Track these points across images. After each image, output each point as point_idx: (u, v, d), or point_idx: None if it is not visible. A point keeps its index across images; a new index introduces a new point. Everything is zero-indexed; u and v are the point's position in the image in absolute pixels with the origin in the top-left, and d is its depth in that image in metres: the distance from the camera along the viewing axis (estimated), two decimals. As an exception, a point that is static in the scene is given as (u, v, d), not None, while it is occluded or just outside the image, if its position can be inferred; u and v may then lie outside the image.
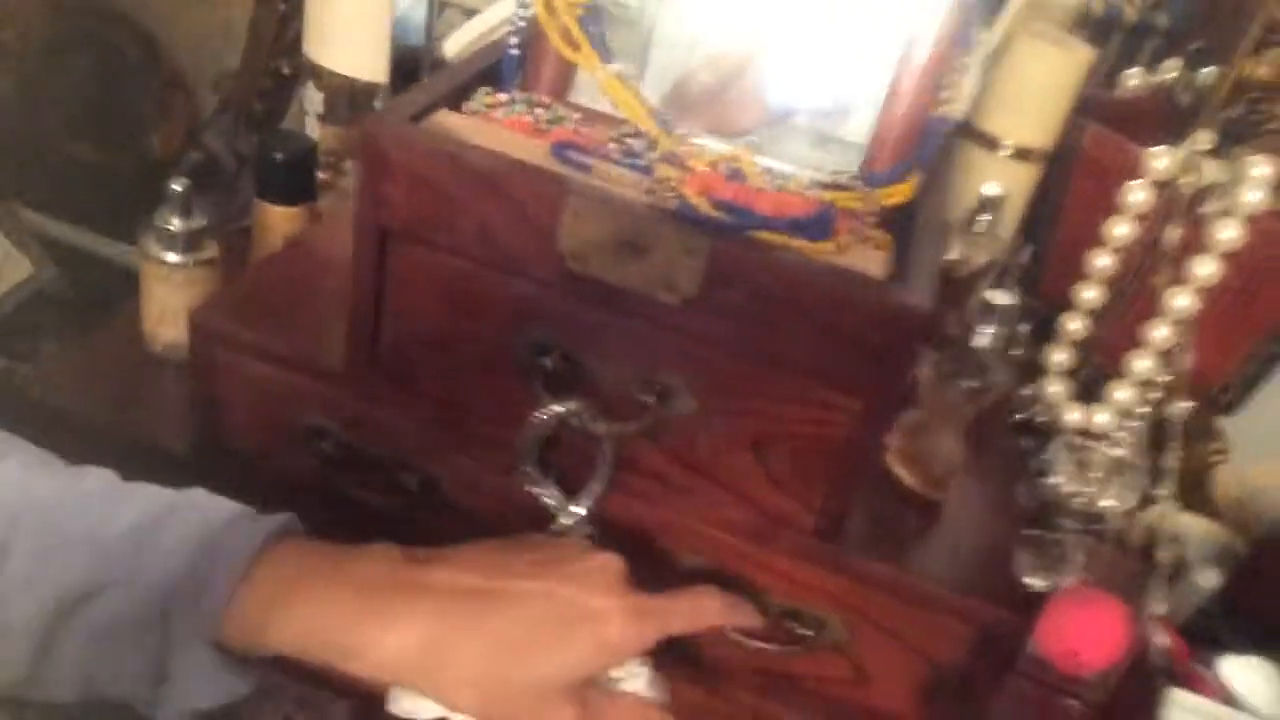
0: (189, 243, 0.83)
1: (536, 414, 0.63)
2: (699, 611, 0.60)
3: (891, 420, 0.63)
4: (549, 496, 0.65)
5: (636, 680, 0.59)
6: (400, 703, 0.57)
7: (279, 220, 0.91)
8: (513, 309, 0.64)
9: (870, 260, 0.62)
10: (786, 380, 0.61)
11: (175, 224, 0.82)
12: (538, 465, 0.65)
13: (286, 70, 1.18)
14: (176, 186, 0.82)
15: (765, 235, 0.60)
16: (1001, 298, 0.66)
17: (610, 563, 0.58)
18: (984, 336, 0.67)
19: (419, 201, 0.62)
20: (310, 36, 1.04)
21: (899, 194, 0.68)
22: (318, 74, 1.03)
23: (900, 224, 0.67)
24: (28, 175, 1.17)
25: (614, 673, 0.59)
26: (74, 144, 1.22)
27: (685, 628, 0.60)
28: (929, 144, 0.69)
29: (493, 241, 0.62)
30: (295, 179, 0.92)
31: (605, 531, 0.67)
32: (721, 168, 0.65)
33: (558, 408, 0.63)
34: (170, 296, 0.84)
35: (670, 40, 0.73)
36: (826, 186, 0.67)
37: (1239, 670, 0.85)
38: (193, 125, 1.26)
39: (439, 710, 0.57)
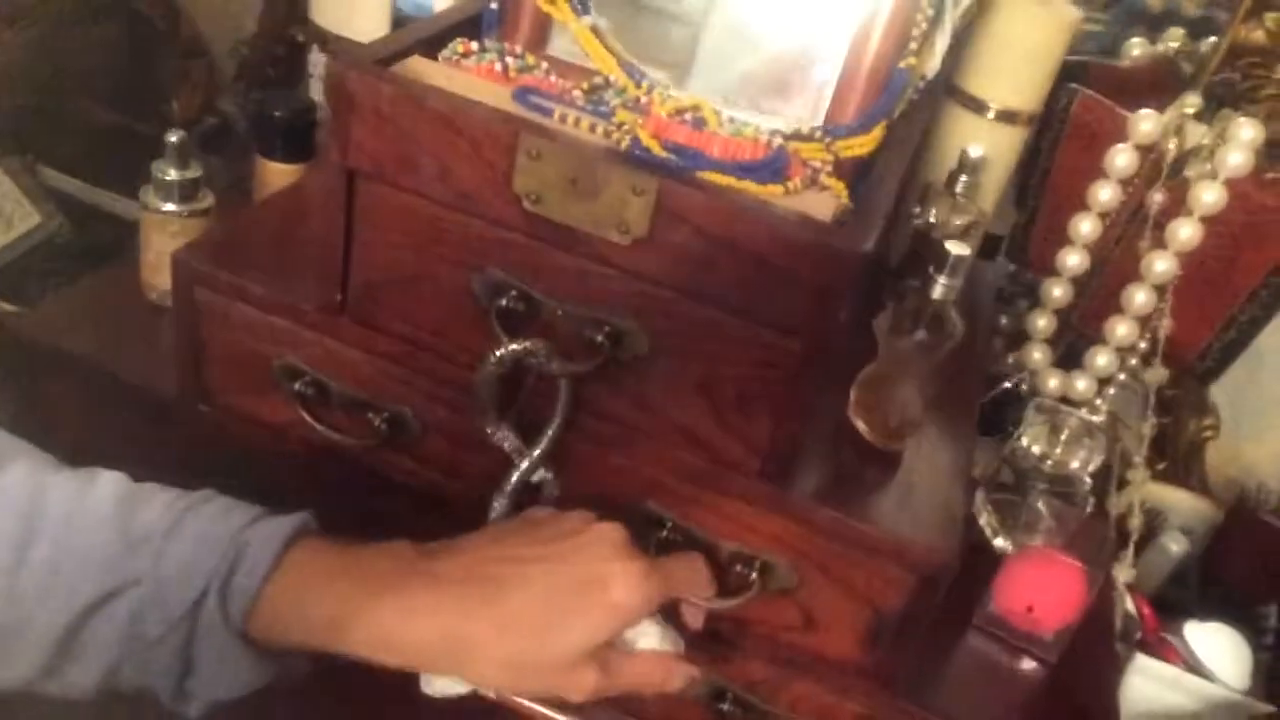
0: (184, 192, 0.86)
1: (493, 353, 0.64)
2: (694, 572, 0.63)
3: (831, 363, 0.63)
4: (506, 438, 0.67)
5: (649, 638, 0.61)
6: (433, 684, 0.60)
7: (277, 177, 0.94)
8: (472, 249, 0.66)
9: (820, 205, 0.62)
10: (732, 321, 0.62)
11: (171, 174, 0.85)
12: (497, 407, 0.67)
13: (300, 38, 1.21)
14: (172, 138, 0.85)
15: (714, 177, 0.61)
16: (958, 248, 0.67)
17: (610, 531, 0.60)
18: (940, 288, 0.68)
19: (383, 142, 0.64)
20: (316, 2, 1.07)
21: (860, 146, 0.69)
22: (324, 38, 1.06)
23: (862, 177, 0.68)
24: (49, 136, 1.22)
25: (628, 634, 0.61)
26: (96, 108, 1.26)
27: (684, 588, 0.63)
28: (892, 97, 0.69)
29: (452, 182, 0.64)
30: (293, 137, 0.94)
31: (560, 473, 0.69)
32: (685, 116, 0.66)
33: (514, 346, 0.64)
34: (166, 245, 0.87)
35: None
36: (788, 136, 0.68)
37: (1204, 637, 0.85)
38: (211, 91, 1.30)
39: (469, 686, 0.60)
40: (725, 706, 0.75)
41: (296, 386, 0.75)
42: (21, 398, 0.87)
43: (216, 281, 0.74)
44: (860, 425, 0.73)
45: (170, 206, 0.86)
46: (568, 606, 0.57)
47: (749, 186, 0.61)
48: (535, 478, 0.67)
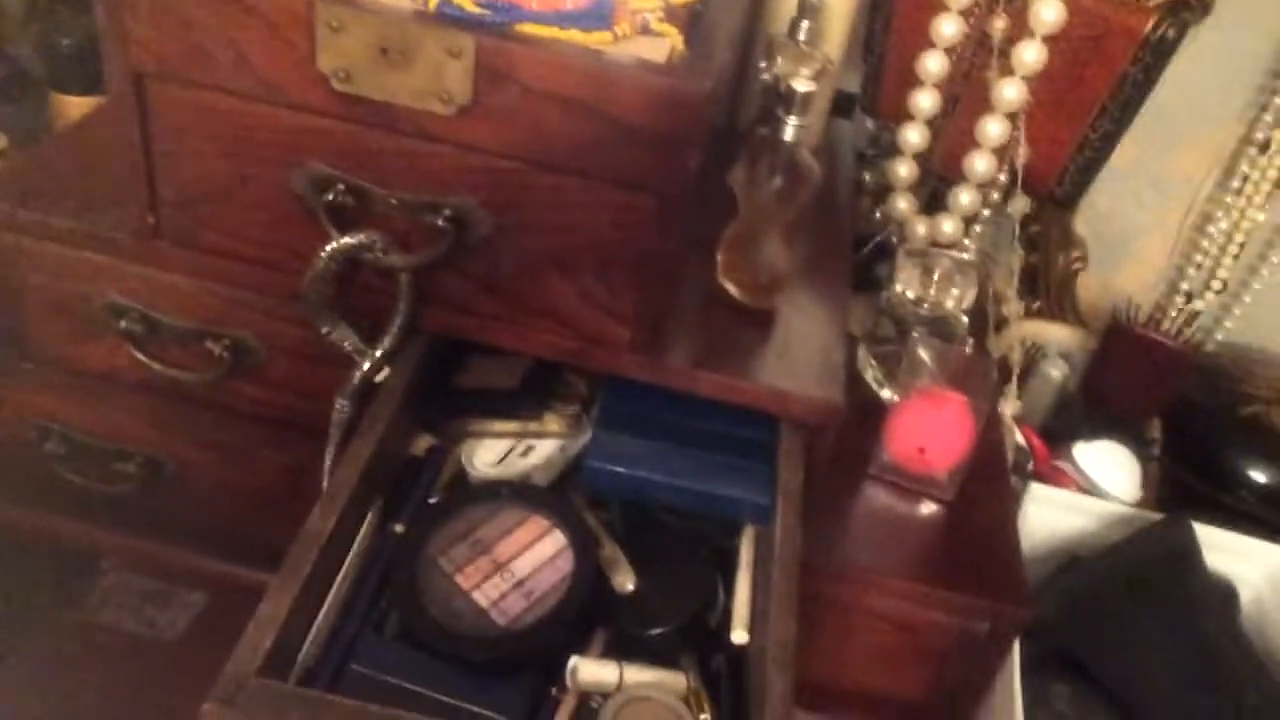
0: (-32, 136, 0.78)
1: (322, 249, 0.59)
2: None
3: (687, 217, 0.60)
4: (345, 337, 0.62)
5: None
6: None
7: (74, 110, 0.86)
8: (286, 144, 0.60)
9: (653, 50, 0.58)
10: (577, 185, 0.59)
11: (-50, 118, 0.77)
12: (334, 309, 0.62)
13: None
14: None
15: (535, 30, 0.57)
16: (804, 85, 0.64)
17: None
18: (791, 129, 0.65)
19: (166, 35, 0.57)
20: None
21: (691, -10, 0.65)
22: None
23: (695, 25, 0.64)
24: None
25: None
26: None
27: None
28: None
29: (251, 70, 0.58)
30: (85, 66, 0.86)
31: (397, 367, 0.65)
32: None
33: (346, 240, 0.59)
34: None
35: None
36: (614, -14, 0.64)
37: (1093, 456, 0.86)
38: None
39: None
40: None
41: (123, 324, 0.69)
42: None
43: (16, 221, 0.67)
44: (730, 287, 0.71)
45: (-44, 153, 0.77)
46: None
47: (574, 36, 0.57)
48: (380, 378, 0.63)
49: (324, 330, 0.61)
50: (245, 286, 0.66)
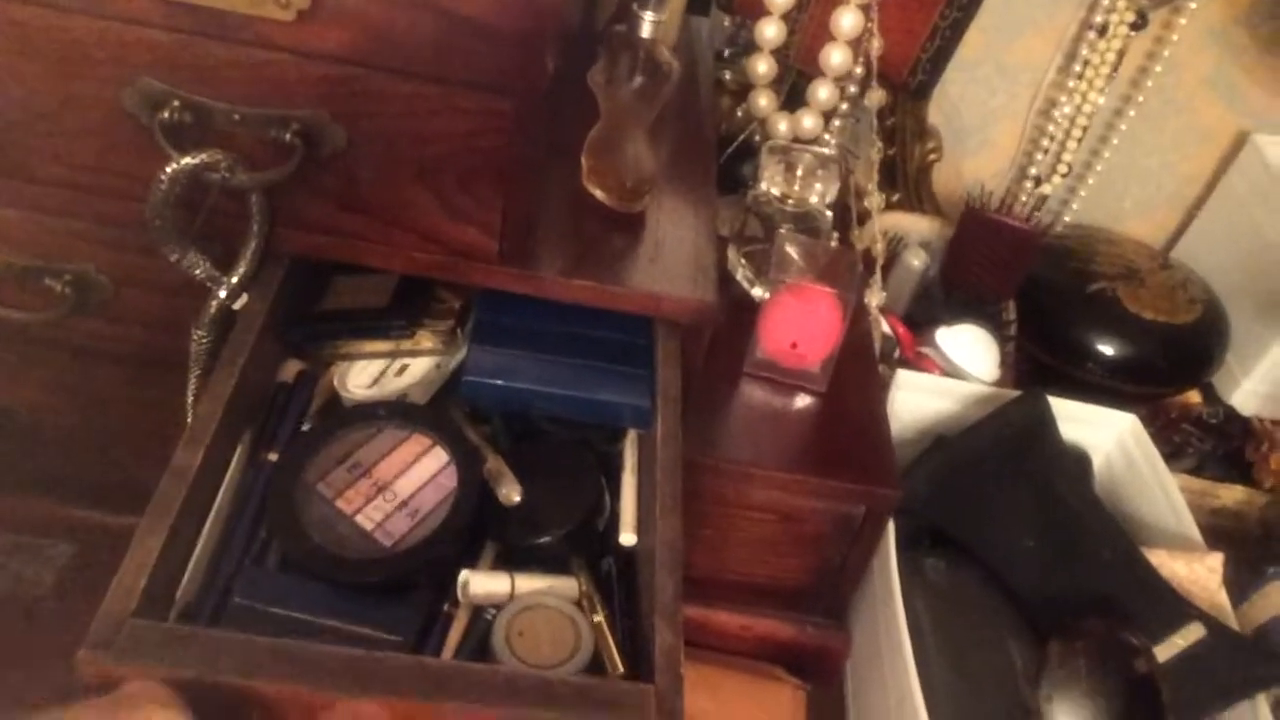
0: None
1: (163, 172, 0.56)
2: None
3: (548, 119, 0.59)
4: (198, 267, 0.59)
5: None
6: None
7: None
8: (115, 60, 0.56)
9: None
10: (433, 91, 0.56)
11: None
12: (181, 235, 0.59)
13: None
14: None
15: (375, -72, 0.54)
16: (658, -20, 0.62)
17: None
18: (648, 24, 0.64)
19: (-34, -57, 0.52)
20: None
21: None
22: None
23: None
24: None
25: None
26: None
27: None
28: None
29: (66, -22, 0.53)
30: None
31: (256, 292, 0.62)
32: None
33: (187, 160, 0.56)
34: None
35: None
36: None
37: (954, 339, 0.89)
38: None
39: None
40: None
41: (-51, 267, 0.64)
42: None
43: None
44: (597, 193, 0.70)
45: None
46: None
47: (417, -68, 0.54)
48: (238, 305, 0.60)
49: (173, 258, 0.58)
50: (83, 217, 0.62)
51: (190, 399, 0.62)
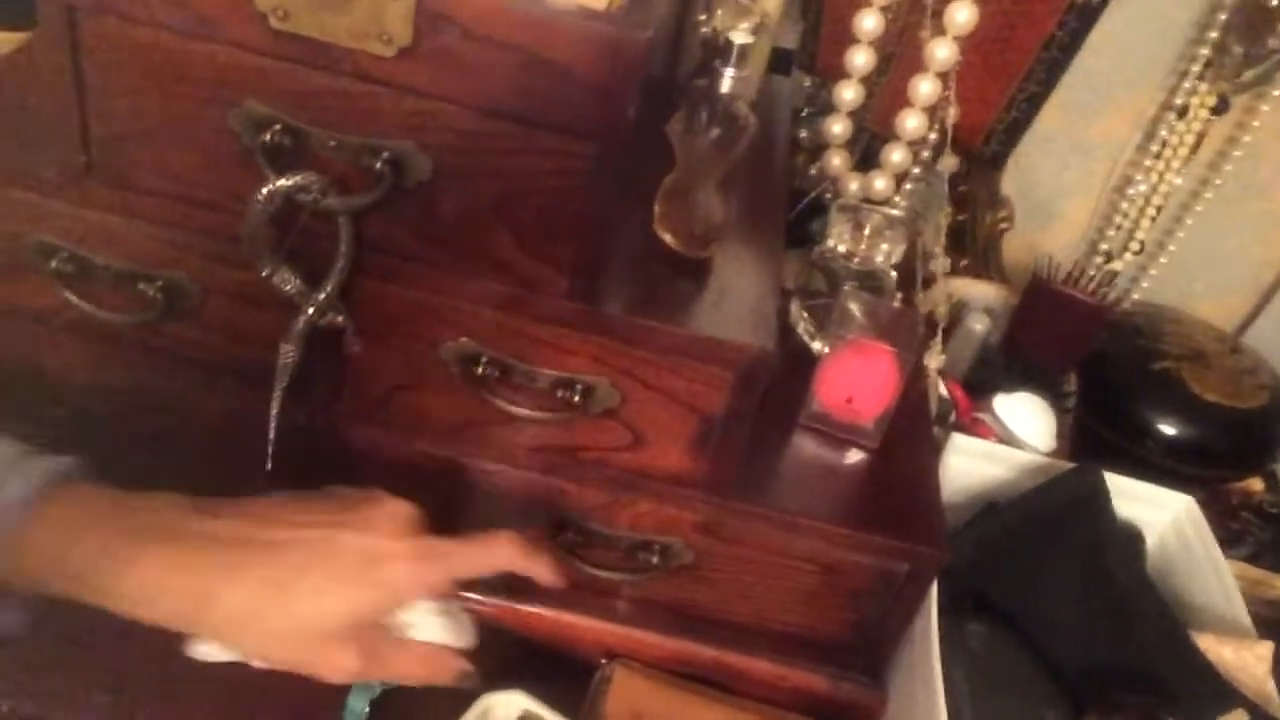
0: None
1: (260, 190, 0.59)
2: (490, 556, 0.59)
3: (626, 166, 0.61)
4: (288, 283, 0.62)
5: (428, 629, 0.59)
6: (198, 647, 0.58)
7: (1, 45, 0.84)
8: (222, 82, 0.60)
9: (592, -1, 0.59)
10: (516, 131, 0.59)
11: None
12: (274, 252, 0.62)
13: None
14: None
15: (476, -26, 0.57)
16: (741, 37, 0.65)
17: (399, 508, 0.58)
18: (728, 80, 0.66)
19: (99, -33, 0.57)
20: None
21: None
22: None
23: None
24: None
25: (405, 616, 0.58)
26: None
27: (473, 571, 0.59)
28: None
29: (187, 5, 0.57)
30: (14, 1, 0.84)
31: (356, 315, 0.65)
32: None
33: (283, 182, 0.59)
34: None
35: None
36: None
37: (1012, 407, 0.89)
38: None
39: (234, 654, 0.57)
40: (569, 535, 0.74)
41: (54, 265, 0.68)
42: None
43: (-64, 159, 0.66)
44: (666, 237, 0.72)
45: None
46: (324, 576, 0.54)
47: (513, -19, 0.57)
48: (324, 321, 0.63)
49: (264, 273, 0.61)
50: (179, 227, 0.66)
51: (274, 411, 0.65)
